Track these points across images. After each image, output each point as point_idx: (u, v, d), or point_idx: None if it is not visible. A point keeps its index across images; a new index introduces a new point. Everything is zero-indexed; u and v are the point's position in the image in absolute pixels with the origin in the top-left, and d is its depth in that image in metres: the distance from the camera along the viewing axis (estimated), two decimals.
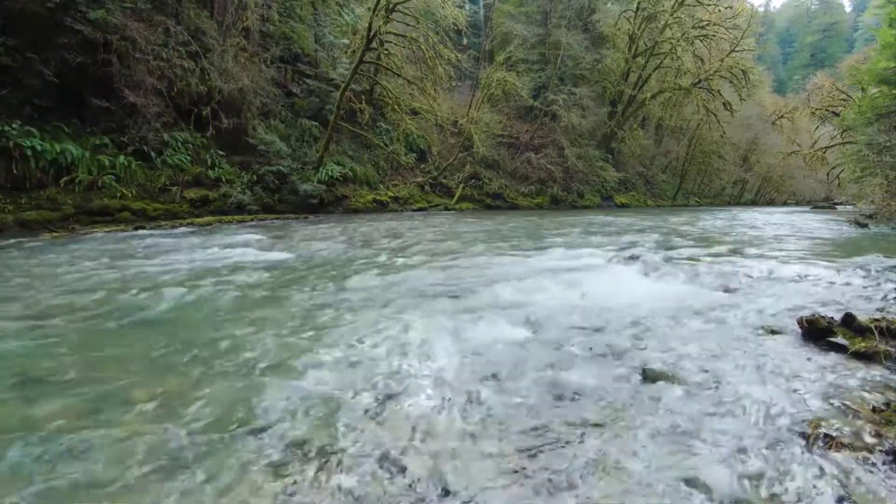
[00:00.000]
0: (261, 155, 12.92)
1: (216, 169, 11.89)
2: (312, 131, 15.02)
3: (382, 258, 5.65)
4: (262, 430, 1.72)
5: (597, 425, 1.75)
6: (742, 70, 26.41)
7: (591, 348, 2.55)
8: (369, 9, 14.45)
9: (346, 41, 17.45)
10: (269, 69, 14.16)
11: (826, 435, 1.61)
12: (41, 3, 8.70)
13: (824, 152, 25.19)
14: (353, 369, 2.27)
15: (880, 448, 1.54)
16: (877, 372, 2.18)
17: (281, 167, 12.97)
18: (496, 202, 20.26)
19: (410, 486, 1.43)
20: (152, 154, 10.51)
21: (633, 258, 5.22)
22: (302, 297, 3.70)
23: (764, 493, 1.37)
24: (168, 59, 10.81)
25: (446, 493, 1.39)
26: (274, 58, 14.65)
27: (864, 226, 10.88)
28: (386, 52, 15.81)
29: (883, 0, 12.59)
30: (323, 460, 1.54)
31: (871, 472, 1.45)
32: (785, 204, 38.41)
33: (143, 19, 10.53)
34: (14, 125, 8.25)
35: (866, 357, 2.29)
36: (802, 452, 1.55)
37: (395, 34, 15.63)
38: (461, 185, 19.22)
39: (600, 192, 24.58)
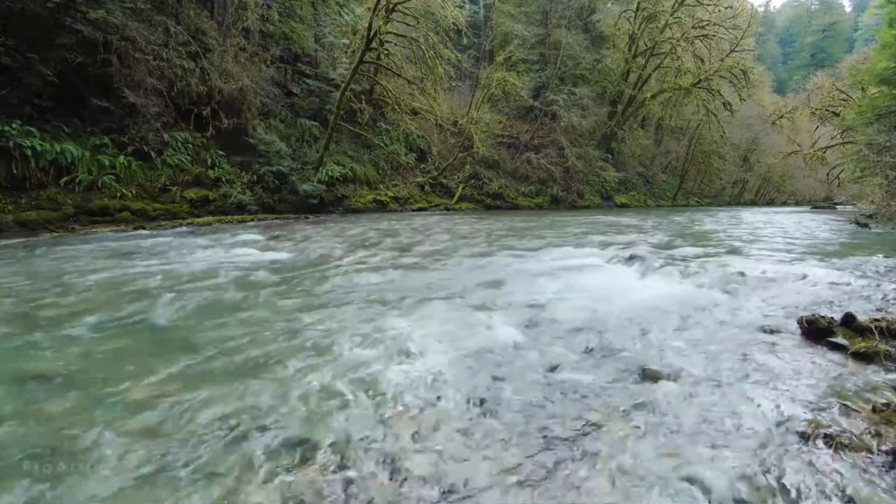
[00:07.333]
0: (261, 155, 12.93)
1: (216, 169, 11.89)
2: (312, 131, 15.02)
3: (382, 258, 5.65)
4: (263, 429, 1.72)
5: (597, 425, 1.75)
6: (742, 70, 26.42)
7: (591, 348, 2.55)
8: (369, 9, 14.44)
9: (346, 41, 17.44)
10: (269, 69, 14.17)
11: (826, 435, 1.61)
12: (41, 3, 8.70)
13: (824, 152, 25.20)
14: (353, 369, 2.27)
15: (880, 448, 1.54)
16: (877, 372, 2.17)
17: (281, 167, 12.97)
18: (496, 202, 20.26)
19: (411, 486, 1.42)
20: (152, 154, 10.51)
21: (633, 258, 5.22)
22: (302, 297, 3.70)
23: (764, 492, 1.37)
24: (168, 59, 10.82)
25: (446, 493, 1.39)
26: (274, 58, 14.65)
27: (865, 226, 10.87)
28: (386, 52, 15.81)
29: (883, 0, 12.57)
30: (323, 460, 1.54)
31: (871, 471, 1.45)
32: (785, 204, 38.43)
33: (143, 19, 10.54)
34: (14, 125, 8.25)
35: (866, 357, 2.29)
36: (802, 452, 1.55)
37: (395, 34, 15.63)
38: (461, 185, 19.22)
39: (600, 192, 24.58)
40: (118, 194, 9.59)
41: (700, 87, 25.82)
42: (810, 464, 1.49)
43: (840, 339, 2.47)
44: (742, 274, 4.26)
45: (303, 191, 13.18)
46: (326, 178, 14.07)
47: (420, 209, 17.01)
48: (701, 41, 25.43)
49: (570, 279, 4.29)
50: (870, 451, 1.53)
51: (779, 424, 1.73)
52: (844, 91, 23.19)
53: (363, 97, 16.54)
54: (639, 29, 25.18)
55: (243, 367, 2.30)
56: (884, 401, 1.84)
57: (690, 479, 1.43)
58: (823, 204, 28.42)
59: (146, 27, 10.48)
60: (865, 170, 13.22)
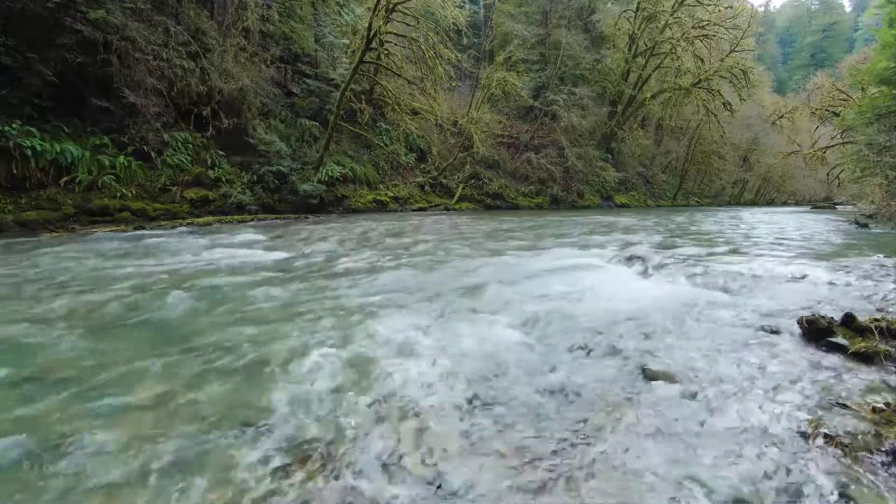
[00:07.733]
0: (261, 155, 12.92)
1: (216, 169, 11.89)
2: (312, 131, 15.02)
3: (382, 259, 5.64)
4: (263, 429, 1.72)
5: (597, 425, 1.75)
6: (742, 70, 26.43)
7: (591, 348, 2.55)
8: (369, 9, 14.44)
9: (346, 41, 17.43)
10: (269, 69, 14.16)
11: (826, 435, 1.61)
12: (41, 3, 8.70)
13: (824, 152, 25.19)
14: (352, 369, 2.27)
15: (880, 448, 1.54)
16: (877, 372, 2.17)
17: (281, 167, 12.96)
18: (496, 202, 20.26)
19: (410, 486, 1.42)
20: (152, 154, 10.51)
21: (633, 258, 5.22)
22: (301, 298, 3.69)
23: (764, 492, 1.37)
24: (168, 59, 10.81)
25: (446, 493, 1.39)
26: (274, 58, 14.65)
27: (865, 226, 10.87)
28: (386, 52, 15.81)
29: (883, 0, 12.56)
30: (323, 460, 1.54)
31: (871, 472, 1.45)
32: (785, 204, 38.43)
33: (143, 19, 10.53)
34: (14, 125, 8.25)
35: (866, 357, 2.29)
36: (802, 452, 1.55)
37: (395, 34, 15.63)
38: (461, 185, 19.22)
39: (600, 192, 24.59)
40: (118, 194, 9.59)
41: (700, 87, 25.84)
42: (810, 464, 1.49)
43: (840, 340, 2.47)
44: (742, 274, 4.26)
45: (303, 191, 13.17)
46: (326, 178, 14.07)
47: (420, 209, 17.01)
48: (701, 41, 25.44)
49: (570, 279, 4.29)
50: (870, 451, 1.53)
51: (779, 424, 1.73)
52: (844, 91, 23.18)
53: (363, 97, 16.53)
54: (639, 29, 25.19)
55: (245, 367, 2.30)
56: (884, 401, 1.84)
57: (691, 479, 1.43)
58: (823, 204, 28.43)
59: (146, 27, 10.47)
60: (865, 170, 13.20)
